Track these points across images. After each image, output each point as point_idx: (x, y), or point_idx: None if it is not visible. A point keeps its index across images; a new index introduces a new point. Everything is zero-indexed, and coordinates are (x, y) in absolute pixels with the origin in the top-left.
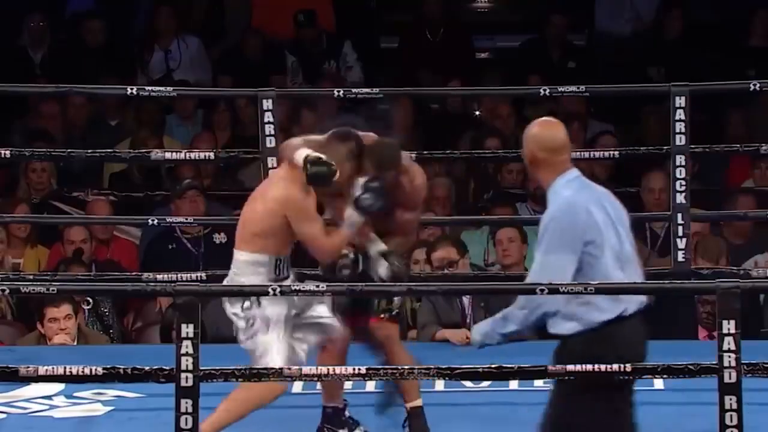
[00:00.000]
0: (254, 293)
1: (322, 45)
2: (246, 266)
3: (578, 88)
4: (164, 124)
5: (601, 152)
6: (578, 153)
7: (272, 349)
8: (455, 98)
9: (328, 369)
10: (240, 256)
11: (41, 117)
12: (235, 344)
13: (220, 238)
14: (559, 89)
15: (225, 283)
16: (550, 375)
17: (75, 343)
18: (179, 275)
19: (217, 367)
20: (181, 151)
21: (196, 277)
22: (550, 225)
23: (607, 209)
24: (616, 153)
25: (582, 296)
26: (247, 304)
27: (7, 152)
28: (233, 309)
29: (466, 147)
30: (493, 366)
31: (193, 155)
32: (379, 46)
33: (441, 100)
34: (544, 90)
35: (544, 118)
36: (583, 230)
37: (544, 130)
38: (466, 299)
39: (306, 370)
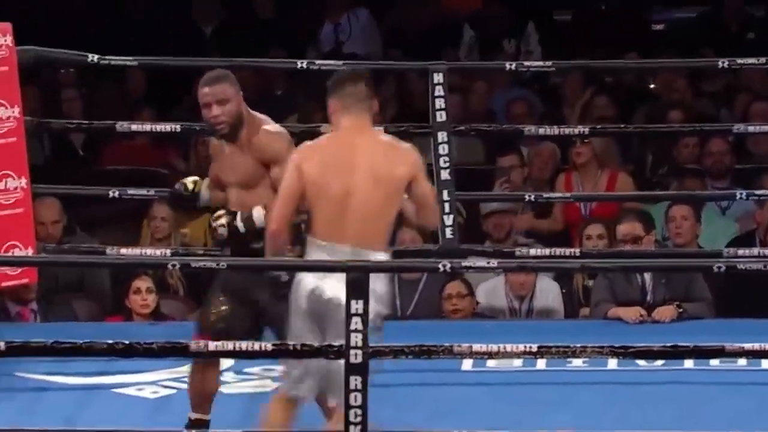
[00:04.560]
0: (423, 269)
1: (505, 22)
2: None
3: (758, 60)
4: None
5: None
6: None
7: None
8: (630, 71)
9: (498, 347)
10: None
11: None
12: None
13: None
14: (738, 61)
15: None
16: (726, 354)
17: None
18: None
19: (387, 344)
20: None
21: None
22: None
23: None
24: None
25: None
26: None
27: (177, 127)
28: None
29: (640, 121)
30: (668, 345)
31: None
32: (553, 19)
33: (616, 73)
34: (723, 62)
35: None
36: None
37: None
38: (647, 276)
39: (476, 347)
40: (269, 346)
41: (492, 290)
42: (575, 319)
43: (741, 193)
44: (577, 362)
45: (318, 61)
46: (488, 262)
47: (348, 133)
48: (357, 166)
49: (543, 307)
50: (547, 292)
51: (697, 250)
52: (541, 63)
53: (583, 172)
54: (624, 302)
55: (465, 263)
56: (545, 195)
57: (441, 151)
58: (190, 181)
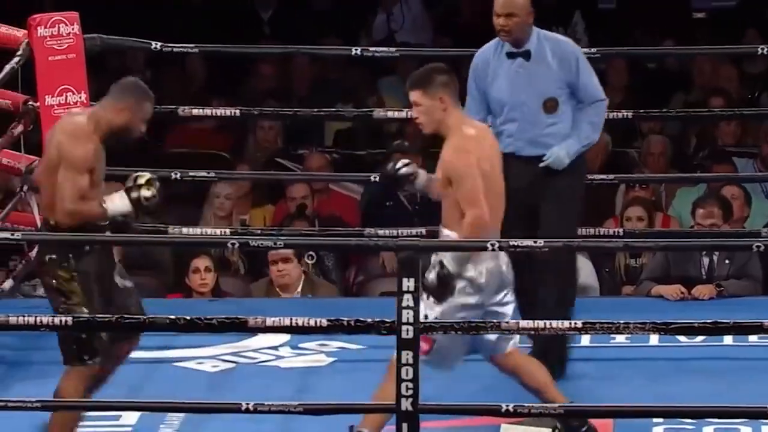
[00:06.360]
0: (471, 248)
1: (553, 12)
2: None
3: None
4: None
5: None
6: None
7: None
8: (671, 57)
9: (545, 323)
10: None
11: (265, 77)
12: None
13: None
14: None
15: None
16: (765, 330)
17: (299, 290)
18: (399, 231)
19: (438, 320)
20: (402, 110)
21: (416, 232)
22: None
23: None
24: None
25: None
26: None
27: (237, 111)
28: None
29: (678, 105)
30: (708, 321)
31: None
32: (597, 8)
33: (658, 59)
34: (762, 49)
35: None
36: None
37: None
38: (714, 255)
39: (523, 323)
40: (324, 322)
41: None
42: (617, 296)
43: None
44: (620, 338)
45: (372, 48)
46: (534, 242)
47: (467, 122)
48: (494, 155)
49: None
50: (579, 269)
51: (734, 230)
52: (585, 50)
53: None
54: (681, 279)
55: (513, 242)
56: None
57: None
58: None
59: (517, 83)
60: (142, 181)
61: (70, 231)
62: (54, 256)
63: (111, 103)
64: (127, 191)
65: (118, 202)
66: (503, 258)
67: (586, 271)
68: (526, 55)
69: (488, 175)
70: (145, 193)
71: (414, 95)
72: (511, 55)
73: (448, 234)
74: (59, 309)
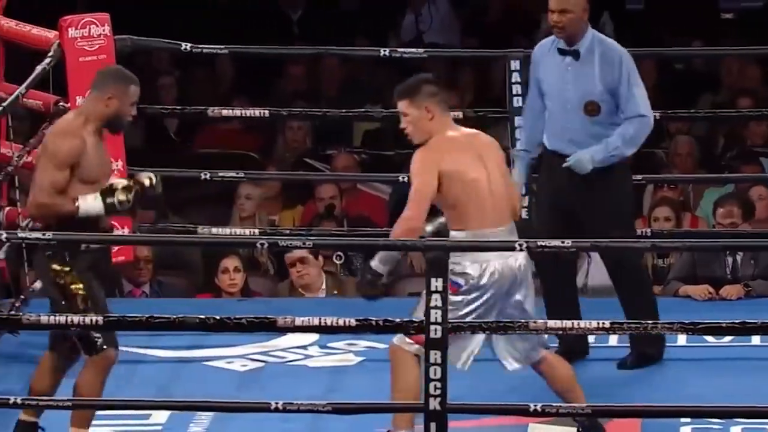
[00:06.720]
0: (501, 248)
1: None
2: None
3: None
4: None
5: None
6: None
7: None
8: (699, 58)
9: (572, 323)
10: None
11: (295, 77)
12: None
13: None
14: None
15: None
16: None
17: (323, 289)
18: None
19: (465, 320)
20: None
21: None
22: None
23: None
24: None
25: None
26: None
27: (266, 112)
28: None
29: (706, 106)
30: (736, 321)
31: None
32: (625, 8)
33: (685, 60)
34: None
35: None
36: None
37: None
38: (738, 255)
39: (551, 323)
40: (353, 322)
41: None
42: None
43: None
44: None
45: (400, 49)
46: (562, 242)
47: (455, 129)
48: (486, 155)
49: (601, 285)
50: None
51: (759, 230)
52: None
53: None
54: (708, 279)
55: (540, 242)
56: None
57: (518, 136)
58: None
59: (563, 81)
60: (119, 186)
61: (45, 225)
62: (50, 252)
63: (96, 95)
64: (103, 194)
65: (91, 203)
66: (517, 258)
67: None
68: (576, 55)
69: (456, 175)
70: (120, 197)
71: (401, 105)
72: (561, 52)
73: (454, 234)
74: (60, 307)
